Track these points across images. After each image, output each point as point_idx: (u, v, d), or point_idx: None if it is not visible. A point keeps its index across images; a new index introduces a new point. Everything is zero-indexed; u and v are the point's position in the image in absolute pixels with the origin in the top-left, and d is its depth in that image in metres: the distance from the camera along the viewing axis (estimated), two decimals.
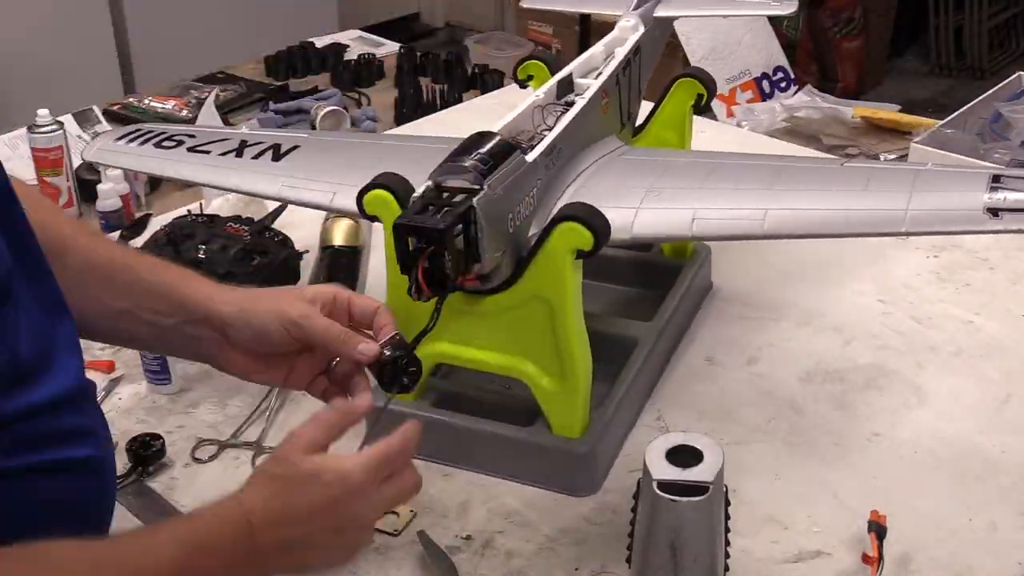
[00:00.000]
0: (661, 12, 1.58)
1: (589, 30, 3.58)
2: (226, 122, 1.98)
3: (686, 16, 1.64)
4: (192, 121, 2.18)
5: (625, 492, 1.10)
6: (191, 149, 1.41)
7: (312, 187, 1.32)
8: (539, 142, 1.22)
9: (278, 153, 1.38)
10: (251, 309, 1.05)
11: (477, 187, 1.07)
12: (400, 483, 0.97)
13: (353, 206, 1.19)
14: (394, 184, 1.15)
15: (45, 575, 0.83)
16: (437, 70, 2.74)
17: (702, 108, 1.50)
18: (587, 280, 1.54)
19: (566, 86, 1.38)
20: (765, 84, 3.40)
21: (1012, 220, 1.07)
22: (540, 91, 1.35)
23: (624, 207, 1.21)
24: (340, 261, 1.53)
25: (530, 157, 1.17)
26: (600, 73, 1.40)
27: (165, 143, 1.42)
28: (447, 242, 1.03)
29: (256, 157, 1.38)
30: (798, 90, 3.13)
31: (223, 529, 0.90)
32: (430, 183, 1.10)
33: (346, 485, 0.93)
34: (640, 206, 1.21)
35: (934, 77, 4.92)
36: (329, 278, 1.50)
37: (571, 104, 1.31)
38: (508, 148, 1.14)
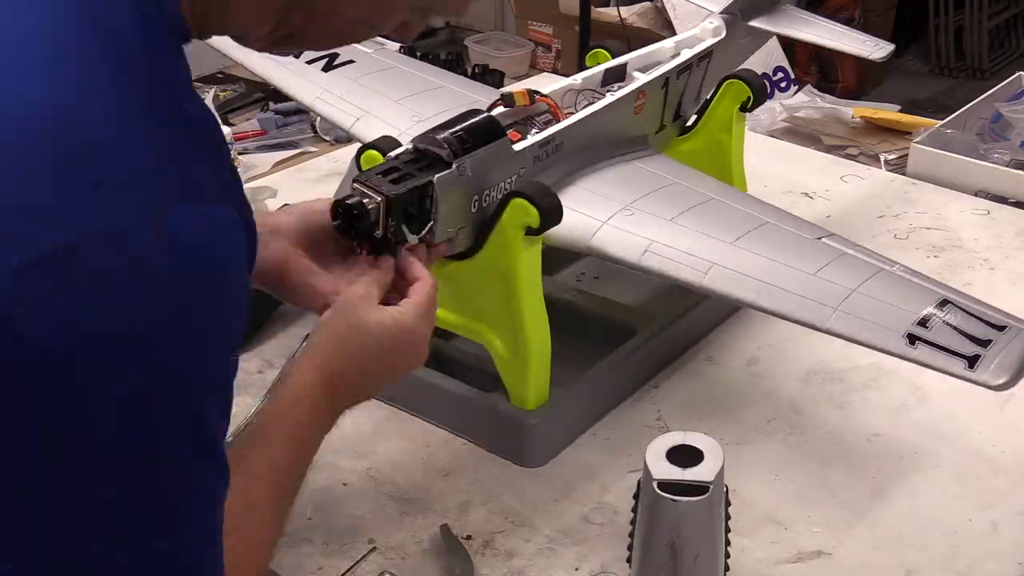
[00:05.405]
0: (758, 23, 1.54)
1: (590, 30, 3.58)
2: (226, 122, 1.99)
3: (780, 34, 1.60)
4: None
5: (625, 492, 1.10)
6: None
7: (342, 107, 1.32)
8: (546, 129, 1.22)
9: (331, 64, 1.39)
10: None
11: (448, 163, 1.08)
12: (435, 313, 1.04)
13: (369, 136, 1.25)
14: (386, 147, 1.19)
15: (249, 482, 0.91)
16: None
17: (750, 108, 1.46)
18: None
19: (616, 75, 1.36)
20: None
21: (924, 353, 1.04)
22: (580, 76, 1.34)
23: (593, 217, 1.21)
24: None
25: (518, 146, 1.17)
26: (651, 72, 1.37)
27: None
28: (392, 208, 1.02)
29: (311, 62, 1.39)
30: (798, 90, 3.12)
31: (313, 410, 0.94)
32: (410, 146, 1.11)
33: (406, 334, 0.99)
34: (607, 221, 1.21)
35: (934, 77, 4.92)
36: None
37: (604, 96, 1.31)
38: (496, 132, 1.14)
